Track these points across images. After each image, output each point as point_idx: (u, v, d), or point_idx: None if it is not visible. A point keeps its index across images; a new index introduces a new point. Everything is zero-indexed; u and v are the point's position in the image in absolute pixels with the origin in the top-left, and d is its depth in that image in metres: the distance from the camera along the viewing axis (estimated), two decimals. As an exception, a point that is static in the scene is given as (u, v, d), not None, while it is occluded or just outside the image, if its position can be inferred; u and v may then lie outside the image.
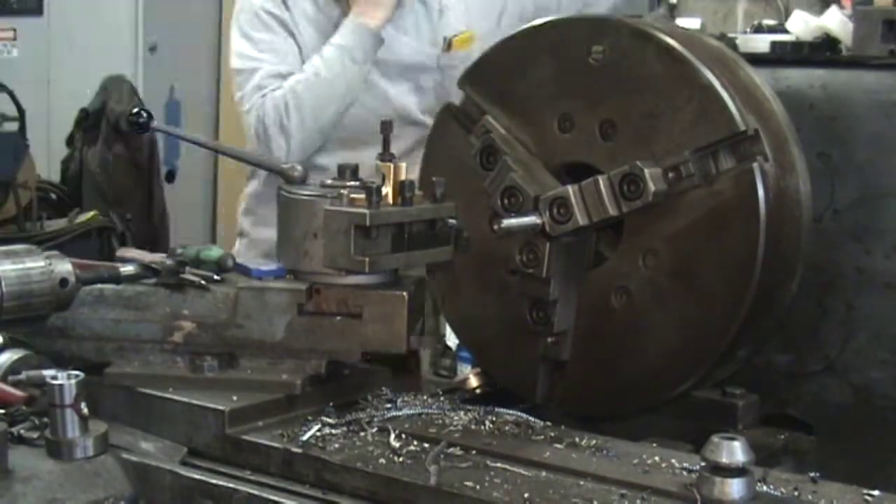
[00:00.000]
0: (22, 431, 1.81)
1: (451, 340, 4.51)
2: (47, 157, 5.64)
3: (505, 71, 2.32)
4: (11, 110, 7.53)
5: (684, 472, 1.70)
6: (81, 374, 1.77)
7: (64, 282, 1.83)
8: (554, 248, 2.13)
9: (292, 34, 3.06)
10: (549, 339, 2.18)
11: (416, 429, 1.87)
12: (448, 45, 3.13)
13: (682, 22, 4.00)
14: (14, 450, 1.73)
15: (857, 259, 2.62)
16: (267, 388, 1.93)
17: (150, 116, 2.37)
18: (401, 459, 1.74)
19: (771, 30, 3.58)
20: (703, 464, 1.57)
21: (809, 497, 1.63)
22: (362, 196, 1.86)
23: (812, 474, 1.71)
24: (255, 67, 3.05)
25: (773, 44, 3.14)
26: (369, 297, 1.91)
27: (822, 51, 3.08)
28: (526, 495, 1.60)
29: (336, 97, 3.02)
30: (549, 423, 1.95)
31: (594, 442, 1.85)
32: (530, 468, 1.72)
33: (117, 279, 1.95)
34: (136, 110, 2.37)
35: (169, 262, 1.98)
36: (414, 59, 3.14)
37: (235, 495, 1.72)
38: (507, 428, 1.91)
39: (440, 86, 3.14)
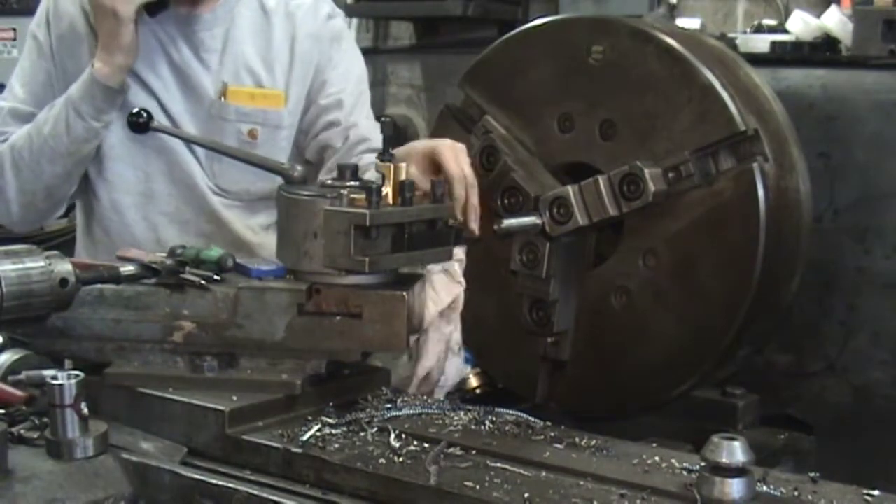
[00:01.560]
0: (22, 431, 1.80)
1: (451, 340, 4.51)
2: (47, 157, 5.62)
3: (505, 71, 2.32)
4: (11, 110, 7.55)
5: (684, 472, 1.70)
6: (81, 374, 1.77)
7: (64, 282, 1.83)
8: (554, 248, 2.13)
9: (45, 60, 2.63)
10: (549, 339, 2.18)
11: (416, 429, 1.87)
12: (223, 90, 2.63)
13: (682, 22, 4.01)
14: (14, 450, 1.73)
15: (857, 259, 2.63)
16: (267, 388, 1.93)
17: (149, 116, 2.36)
18: (401, 459, 1.74)
19: (771, 30, 3.58)
20: (703, 464, 1.57)
21: (809, 497, 1.63)
22: (362, 196, 1.86)
23: (812, 474, 1.70)
24: (2, 106, 2.66)
25: (773, 44, 3.15)
26: (369, 297, 1.91)
27: (822, 51, 3.09)
28: (526, 495, 1.60)
29: (59, 156, 2.54)
30: (549, 423, 1.95)
31: (594, 442, 1.85)
32: (530, 468, 1.72)
33: (117, 279, 1.95)
34: (135, 110, 2.37)
35: (169, 262, 1.98)
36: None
37: (235, 495, 1.72)
38: (507, 428, 1.91)
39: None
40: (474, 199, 2.17)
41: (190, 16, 2.59)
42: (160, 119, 2.57)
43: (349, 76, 2.73)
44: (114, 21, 2.45)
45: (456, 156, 2.18)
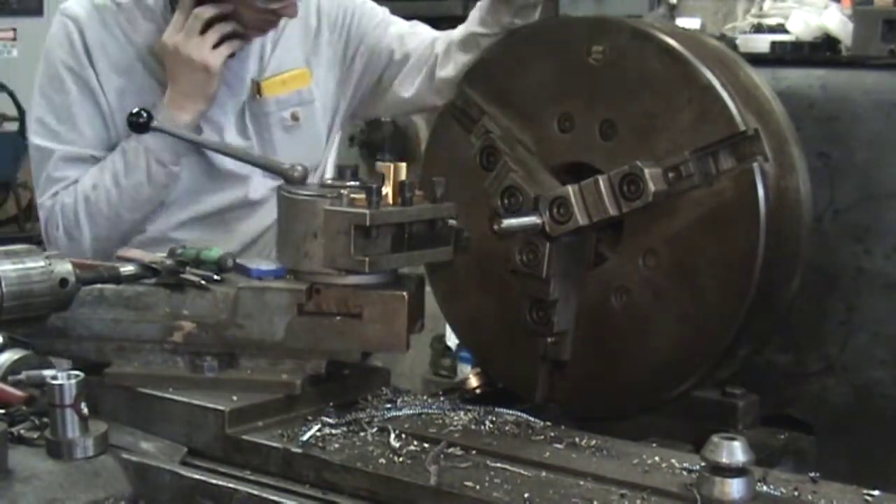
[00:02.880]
0: (22, 431, 1.81)
1: (451, 340, 4.52)
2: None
3: (505, 71, 2.32)
4: (11, 110, 7.57)
5: (684, 472, 1.70)
6: (81, 374, 1.77)
7: (64, 282, 1.83)
8: (554, 248, 2.13)
9: (94, 95, 2.58)
10: (549, 339, 2.18)
11: (416, 429, 1.87)
12: (257, 88, 2.68)
13: (682, 22, 4.00)
14: (14, 450, 1.73)
15: (857, 259, 2.62)
16: (267, 388, 1.93)
17: (149, 116, 2.36)
18: (401, 459, 1.74)
19: (771, 30, 3.58)
20: (703, 464, 1.57)
21: (809, 497, 1.63)
22: (362, 196, 1.86)
23: (812, 474, 1.71)
24: (51, 149, 2.57)
25: (773, 44, 3.14)
26: (369, 297, 1.91)
27: (822, 51, 3.08)
28: (526, 495, 1.61)
29: (139, 204, 2.58)
30: (549, 423, 1.95)
31: (594, 442, 1.85)
32: (530, 468, 1.72)
33: (117, 279, 1.95)
34: (135, 110, 2.37)
35: (169, 262, 1.98)
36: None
37: (235, 495, 1.72)
38: (507, 428, 1.91)
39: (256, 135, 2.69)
40: None
41: None
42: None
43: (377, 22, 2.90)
44: (203, 74, 2.50)
45: None
